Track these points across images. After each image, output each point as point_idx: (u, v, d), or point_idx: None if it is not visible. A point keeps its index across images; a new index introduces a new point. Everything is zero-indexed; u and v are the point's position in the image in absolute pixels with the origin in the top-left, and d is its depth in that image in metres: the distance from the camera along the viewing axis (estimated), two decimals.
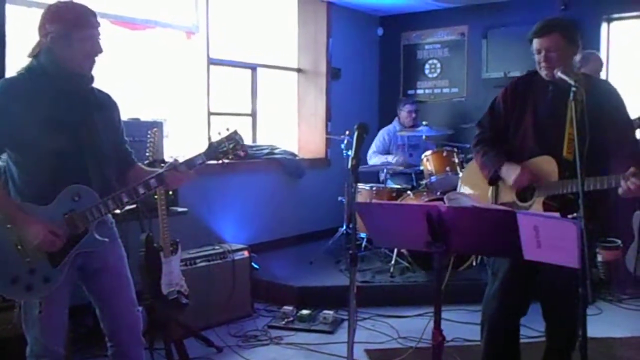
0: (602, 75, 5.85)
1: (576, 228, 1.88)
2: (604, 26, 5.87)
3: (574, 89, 2.45)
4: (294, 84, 6.70)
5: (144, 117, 4.62)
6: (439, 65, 6.89)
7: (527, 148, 2.77)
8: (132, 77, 5.12)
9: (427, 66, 6.96)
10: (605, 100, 2.69)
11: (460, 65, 6.73)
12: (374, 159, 6.10)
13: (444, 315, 4.27)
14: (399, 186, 5.67)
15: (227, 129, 2.46)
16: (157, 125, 4.08)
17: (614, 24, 5.93)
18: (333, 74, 6.59)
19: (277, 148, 6.08)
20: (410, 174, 5.75)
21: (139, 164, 2.65)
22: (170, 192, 4.10)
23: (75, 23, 2.27)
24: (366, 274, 4.99)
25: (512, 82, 2.92)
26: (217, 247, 4.38)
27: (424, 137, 5.67)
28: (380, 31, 7.22)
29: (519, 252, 2.08)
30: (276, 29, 6.48)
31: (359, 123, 2.47)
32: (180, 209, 4.19)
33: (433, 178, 5.24)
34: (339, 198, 5.66)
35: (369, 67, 7.21)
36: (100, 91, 2.49)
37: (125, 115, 4.31)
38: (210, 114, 5.52)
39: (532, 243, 2.02)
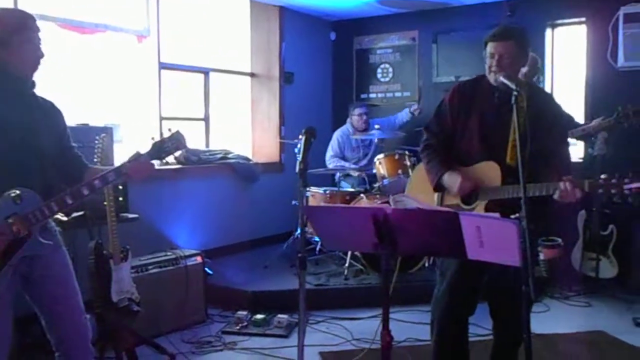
0: (547, 80, 6.05)
1: (516, 228, 1.94)
2: (548, 32, 6.06)
3: (515, 93, 2.53)
4: (247, 89, 6.69)
5: (96, 123, 4.54)
6: (390, 69, 6.98)
7: (472, 152, 2.83)
8: (82, 82, 5.03)
9: (379, 70, 7.05)
10: (545, 109, 2.80)
11: (411, 70, 6.84)
12: (332, 162, 6.13)
13: (397, 316, 4.42)
14: (352, 189, 5.72)
15: (170, 130, 2.47)
16: (106, 131, 4.02)
17: (557, 30, 6.12)
18: (286, 78, 6.61)
19: (230, 153, 6.06)
20: (363, 177, 5.81)
21: (96, 166, 2.64)
22: (120, 198, 4.05)
23: (15, 28, 2.26)
24: (320, 277, 5.02)
25: (459, 85, 2.98)
26: (169, 253, 4.33)
27: (375, 140, 5.74)
28: (333, 36, 7.28)
29: (463, 252, 2.13)
30: (229, 33, 6.47)
31: (307, 128, 2.51)
32: (131, 215, 4.13)
33: (385, 181, 5.31)
34: (293, 202, 5.68)
35: (322, 72, 7.26)
36: (43, 99, 2.48)
37: (74, 120, 4.29)
38: (162, 118, 5.48)
39: (475, 243, 2.07)
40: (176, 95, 5.85)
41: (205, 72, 6.09)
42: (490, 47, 2.80)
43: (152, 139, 2.50)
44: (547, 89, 6.04)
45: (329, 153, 6.16)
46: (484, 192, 2.76)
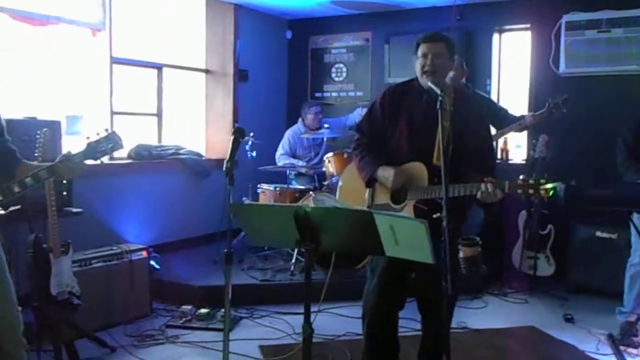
0: (494, 83, 6.24)
1: (424, 227, 2.05)
2: (495, 36, 6.24)
3: (440, 98, 2.66)
4: (201, 85, 6.72)
5: (55, 116, 4.54)
6: (344, 69, 7.09)
7: (401, 153, 2.94)
8: (35, 75, 5.02)
9: (333, 70, 7.16)
10: (469, 113, 2.93)
11: (364, 70, 6.96)
12: (282, 160, 6.21)
13: (340, 311, 4.53)
14: (302, 187, 5.81)
15: (106, 130, 2.52)
16: (51, 125, 4.05)
17: (504, 35, 6.31)
18: (240, 75, 6.66)
19: (182, 148, 6.09)
20: (313, 175, 5.91)
21: (33, 162, 2.66)
22: (65, 193, 4.07)
23: None
24: (267, 273, 5.10)
25: (390, 88, 3.09)
26: (114, 248, 4.36)
27: (325, 139, 5.84)
28: (289, 34, 7.35)
29: (382, 249, 2.24)
30: (184, 29, 6.49)
31: (236, 127, 2.60)
32: (74, 210, 4.15)
33: (334, 179, 5.42)
34: (243, 198, 5.74)
35: (278, 70, 7.33)
36: None
37: (23, 114, 4.28)
38: (113, 113, 5.48)
39: (390, 241, 2.19)
40: (130, 90, 5.86)
41: (159, 67, 6.11)
42: (423, 48, 2.92)
43: (87, 138, 2.54)
44: (494, 92, 6.24)
45: (279, 151, 6.23)
46: (412, 191, 2.88)
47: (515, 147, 6.29)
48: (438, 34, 2.95)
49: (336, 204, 2.26)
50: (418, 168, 2.87)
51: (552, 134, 5.36)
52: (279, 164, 6.12)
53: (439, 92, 2.67)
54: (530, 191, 2.57)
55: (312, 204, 2.35)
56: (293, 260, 5.17)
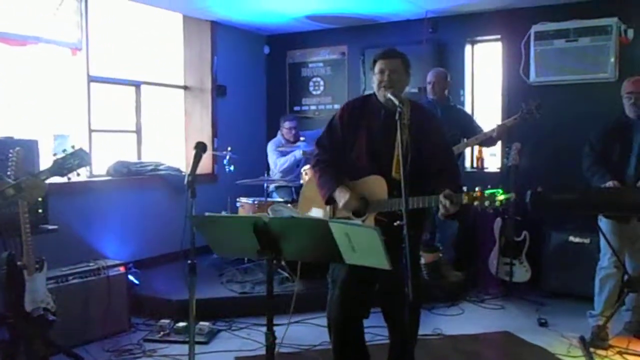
0: (467, 92, 6.34)
1: (376, 233, 2.13)
2: (468, 47, 6.37)
3: (398, 109, 2.75)
4: (180, 101, 6.80)
5: (33, 136, 4.58)
6: (322, 82, 7.21)
7: (361, 167, 3.03)
8: (15, 94, 5.08)
9: (311, 83, 7.27)
10: (427, 125, 3.01)
11: (341, 83, 7.08)
12: (281, 164, 6.22)
13: (316, 321, 4.57)
14: (281, 199, 5.88)
15: (73, 147, 2.57)
16: (30, 144, 4.12)
17: (476, 46, 6.43)
18: (219, 91, 6.75)
19: (162, 164, 6.15)
20: (291, 188, 5.99)
21: (6, 180, 2.71)
22: (40, 210, 4.12)
23: None
24: (246, 286, 5.14)
25: (349, 103, 3.19)
26: (91, 264, 4.40)
27: (301, 152, 5.92)
28: (266, 49, 7.46)
29: (340, 257, 2.31)
30: (162, 47, 6.57)
31: (197, 142, 2.66)
32: (50, 227, 4.19)
33: None
34: (223, 212, 5.80)
35: (256, 84, 7.43)
36: None
37: (2, 133, 4.33)
38: (91, 131, 5.54)
39: (348, 248, 2.26)
40: (109, 108, 5.92)
41: (137, 85, 6.18)
42: (379, 64, 3.02)
43: (54, 155, 2.59)
44: (468, 102, 6.35)
45: (271, 159, 6.31)
46: (373, 205, 2.96)
47: (490, 155, 6.40)
48: (394, 50, 3.04)
49: (293, 214, 2.33)
50: (377, 181, 2.95)
51: (524, 142, 5.48)
52: (285, 166, 6.16)
53: (397, 102, 2.76)
54: (486, 203, 2.67)
55: (270, 214, 2.42)
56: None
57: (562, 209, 4.15)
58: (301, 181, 5.72)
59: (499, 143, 5.88)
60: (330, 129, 3.16)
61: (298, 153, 6.05)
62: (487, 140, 5.25)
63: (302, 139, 5.91)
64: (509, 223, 5.44)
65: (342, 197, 2.98)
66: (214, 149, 6.64)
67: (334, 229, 2.18)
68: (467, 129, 5.29)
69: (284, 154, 6.23)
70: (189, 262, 2.41)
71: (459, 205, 2.73)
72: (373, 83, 3.07)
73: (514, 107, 5.83)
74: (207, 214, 2.40)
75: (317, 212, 3.18)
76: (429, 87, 5.39)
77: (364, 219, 2.96)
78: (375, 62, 3.04)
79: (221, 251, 2.55)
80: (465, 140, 5.25)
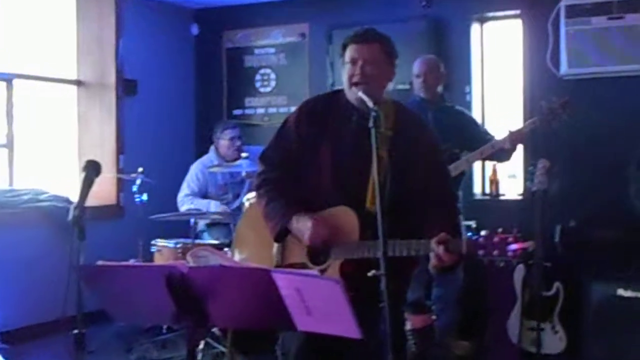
0: (475, 89, 6.43)
1: (339, 288, 2.13)
2: (475, 27, 6.49)
3: (373, 114, 2.76)
4: (72, 102, 6.78)
5: None
6: (273, 76, 7.27)
7: (323, 194, 3.05)
8: None
9: (258, 77, 7.33)
10: (417, 137, 3.05)
11: (301, 76, 7.14)
12: (186, 204, 6.24)
13: None
14: (216, 241, 5.85)
15: None
16: None
17: (487, 25, 6.57)
18: (126, 87, 6.75)
19: (44, 193, 6.09)
20: (229, 226, 5.97)
21: None
22: None
23: None
24: None
25: (308, 103, 3.22)
26: None
27: (243, 173, 5.91)
28: (194, 30, 7.49)
29: (291, 321, 2.31)
30: (46, 28, 6.54)
31: (88, 161, 2.65)
32: None
33: None
34: (132, 261, 5.74)
35: (180, 78, 7.47)
36: None
37: None
38: None
39: (300, 310, 2.26)
40: None
41: (7, 79, 6.14)
42: (351, 51, 3.05)
43: None
44: (476, 103, 6.44)
45: (183, 192, 6.28)
46: (338, 248, 2.96)
47: (508, 177, 6.49)
48: (371, 31, 3.08)
49: (223, 261, 2.33)
50: (345, 215, 2.96)
51: (554, 159, 5.53)
52: (182, 209, 6.16)
53: (371, 104, 2.78)
54: (495, 253, 2.70)
55: (190, 262, 2.42)
56: (201, 346, 5.17)
57: (606, 251, 4.22)
58: None
59: (520, 159, 5.97)
60: (281, 138, 3.19)
61: (214, 206, 6.10)
62: (498, 154, 5.27)
63: (244, 155, 5.91)
64: (534, 272, 5.47)
65: (303, 226, 2.97)
66: (118, 170, 6.59)
67: (280, 281, 2.18)
68: (471, 138, 5.29)
69: (206, 187, 6.26)
70: (76, 333, 2.38)
71: (458, 254, 2.75)
72: (342, 76, 3.10)
73: (538, 103, 5.90)
74: (100, 262, 2.38)
75: (263, 257, 3.17)
76: (417, 82, 5.38)
77: (325, 267, 2.97)
78: (345, 47, 3.08)
79: (123, 317, 2.54)
80: (466, 154, 5.26)
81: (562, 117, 5.06)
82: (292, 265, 3.05)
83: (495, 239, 2.73)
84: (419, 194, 2.97)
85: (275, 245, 3.14)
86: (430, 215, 2.93)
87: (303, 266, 3.01)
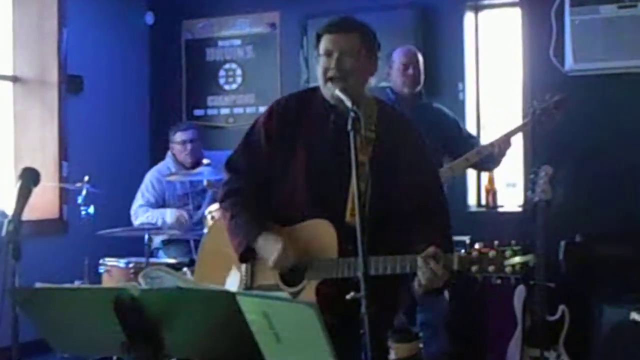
0: (469, 86, 6.47)
1: (314, 312, 2.13)
2: (469, 16, 6.54)
3: (352, 114, 2.76)
4: (7, 101, 6.75)
5: None
6: (239, 71, 7.29)
7: (297, 205, 3.07)
8: None
9: (222, 72, 7.34)
10: (402, 138, 3.07)
11: (271, 72, 7.16)
12: (141, 216, 6.21)
13: None
14: (173, 260, 5.83)
15: None
16: None
17: (482, 14, 6.64)
18: (71, 84, 6.73)
19: None
20: (189, 242, 5.95)
21: None
22: None
23: None
24: None
25: (280, 102, 3.24)
26: None
27: (204, 182, 5.90)
28: (149, 19, 7.49)
29: (258, 352, 2.31)
30: None
31: (24, 169, 2.65)
32: None
33: None
34: (77, 283, 5.71)
35: (133, 75, 7.47)
36: None
37: None
38: None
39: (268, 337, 2.26)
40: None
41: None
42: (325, 42, 3.06)
43: None
44: (470, 102, 6.48)
45: (137, 203, 6.25)
46: (314, 267, 2.98)
47: (507, 186, 6.52)
48: (349, 20, 3.10)
49: (180, 282, 2.33)
50: (322, 230, 2.98)
51: (558, 165, 5.56)
52: (136, 222, 6.14)
53: (349, 104, 2.79)
54: (491, 269, 2.72)
55: (143, 284, 2.41)
56: None
57: (617, 270, 4.25)
58: (205, 230, 5.69)
59: (520, 166, 6.00)
60: (249, 142, 3.22)
61: (171, 215, 6.08)
62: (485, 161, 5.28)
63: (206, 161, 5.89)
64: (537, 293, 5.50)
65: (270, 247, 3.00)
66: (61, 179, 6.56)
67: (245, 305, 2.18)
68: (452, 142, 5.29)
69: (162, 197, 6.26)
70: None
71: (448, 272, 2.76)
72: (317, 71, 3.12)
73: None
74: (38, 284, 2.36)
75: (231, 280, 3.18)
76: (400, 75, 5.30)
77: (299, 289, 2.98)
78: (319, 37, 3.09)
79: (65, 347, 2.52)
80: (449, 161, 5.25)
81: (556, 116, 5.09)
82: (261, 287, 3.05)
83: (491, 253, 2.74)
84: (404, 203, 2.99)
85: (244, 265, 3.14)
86: (418, 226, 2.94)
87: (274, 288, 3.01)
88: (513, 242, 2.80)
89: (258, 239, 3.03)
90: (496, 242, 2.79)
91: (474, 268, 2.76)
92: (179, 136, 6.38)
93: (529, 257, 2.75)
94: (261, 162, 3.15)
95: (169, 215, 6.09)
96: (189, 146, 6.34)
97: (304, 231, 3.02)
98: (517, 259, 2.72)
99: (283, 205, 3.10)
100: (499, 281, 2.80)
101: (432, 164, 3.23)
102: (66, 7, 6.72)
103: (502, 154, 5.22)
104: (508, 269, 2.72)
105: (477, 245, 2.78)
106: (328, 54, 3.04)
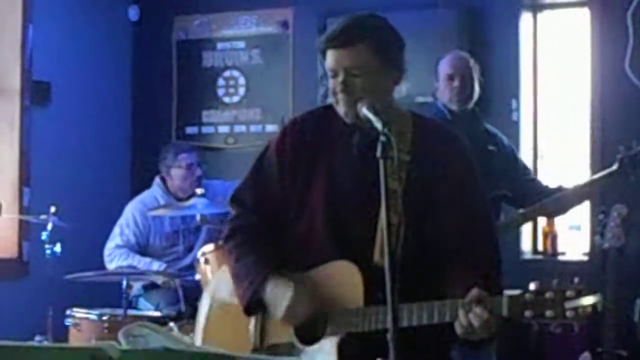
0: (525, 105, 6.47)
1: None
2: (525, 17, 6.54)
3: (382, 137, 2.75)
4: None
5: None
6: (242, 80, 7.31)
7: (315, 244, 3.06)
8: None
9: (221, 82, 7.37)
10: (445, 160, 3.06)
11: (282, 82, 7.18)
12: (118, 260, 6.18)
13: None
14: (157, 312, 5.83)
15: None
16: None
17: (542, 15, 6.65)
18: (36, 93, 6.76)
19: None
20: (177, 290, 5.95)
21: None
22: None
23: None
24: None
25: (295, 122, 3.24)
26: None
27: (198, 217, 5.90)
28: (133, 14, 7.52)
29: None
30: None
31: None
32: None
33: None
34: (37, 338, 5.71)
35: (112, 83, 7.50)
36: None
37: None
38: None
39: None
40: None
41: None
42: (329, 59, 3.03)
43: None
44: (526, 120, 6.46)
45: (114, 241, 6.23)
46: (336, 318, 2.97)
47: (570, 229, 6.50)
48: (353, 28, 3.01)
49: (167, 342, 2.33)
50: (345, 274, 2.97)
51: (633, 205, 5.54)
52: (111, 266, 6.13)
53: (379, 125, 2.78)
54: (549, 313, 2.70)
55: (123, 343, 2.41)
56: None
57: None
58: (197, 276, 5.69)
59: (585, 205, 5.98)
60: (260, 171, 3.22)
61: (156, 265, 6.10)
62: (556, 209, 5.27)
63: (199, 191, 5.87)
64: None
65: (279, 296, 2.99)
66: (22, 210, 6.58)
67: None
68: (507, 176, 5.22)
69: (146, 236, 6.28)
70: None
71: (495, 319, 2.75)
72: (327, 86, 3.13)
73: (614, 133, 5.91)
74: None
75: (239, 337, 3.17)
76: (447, 86, 5.24)
77: (318, 346, 2.96)
78: (324, 52, 3.07)
79: None
80: (514, 209, 5.24)
81: (631, 178, 5.02)
82: (274, 347, 3.05)
83: (548, 295, 2.72)
84: (446, 241, 2.98)
85: (252, 319, 3.15)
86: (460, 268, 2.93)
87: (290, 347, 3.01)
88: (576, 279, 2.77)
89: (266, 285, 3.03)
90: (555, 281, 2.76)
91: (527, 313, 2.73)
92: (183, 159, 6.34)
93: (596, 299, 2.71)
94: (273, 195, 3.16)
95: (155, 265, 6.08)
96: (197, 171, 6.33)
97: (322, 275, 3.01)
98: (582, 301, 2.68)
99: (299, 246, 3.10)
100: (559, 330, 2.78)
101: (482, 191, 3.19)
102: (32, 4, 6.76)
103: (578, 205, 5.24)
104: (570, 314, 2.69)
105: (532, 286, 2.75)
106: (334, 74, 3.01)
